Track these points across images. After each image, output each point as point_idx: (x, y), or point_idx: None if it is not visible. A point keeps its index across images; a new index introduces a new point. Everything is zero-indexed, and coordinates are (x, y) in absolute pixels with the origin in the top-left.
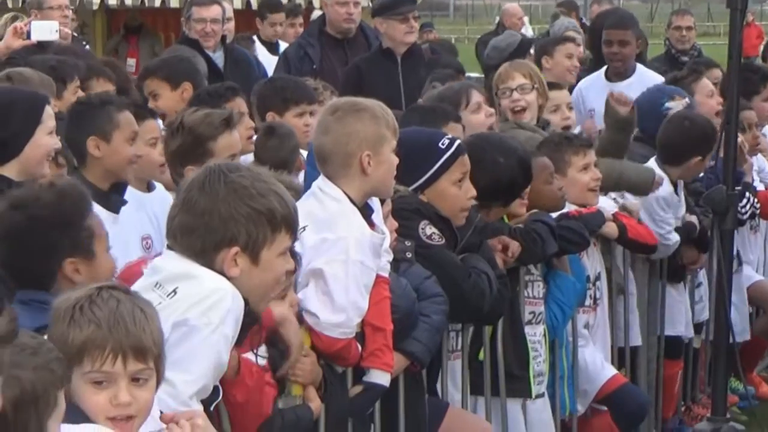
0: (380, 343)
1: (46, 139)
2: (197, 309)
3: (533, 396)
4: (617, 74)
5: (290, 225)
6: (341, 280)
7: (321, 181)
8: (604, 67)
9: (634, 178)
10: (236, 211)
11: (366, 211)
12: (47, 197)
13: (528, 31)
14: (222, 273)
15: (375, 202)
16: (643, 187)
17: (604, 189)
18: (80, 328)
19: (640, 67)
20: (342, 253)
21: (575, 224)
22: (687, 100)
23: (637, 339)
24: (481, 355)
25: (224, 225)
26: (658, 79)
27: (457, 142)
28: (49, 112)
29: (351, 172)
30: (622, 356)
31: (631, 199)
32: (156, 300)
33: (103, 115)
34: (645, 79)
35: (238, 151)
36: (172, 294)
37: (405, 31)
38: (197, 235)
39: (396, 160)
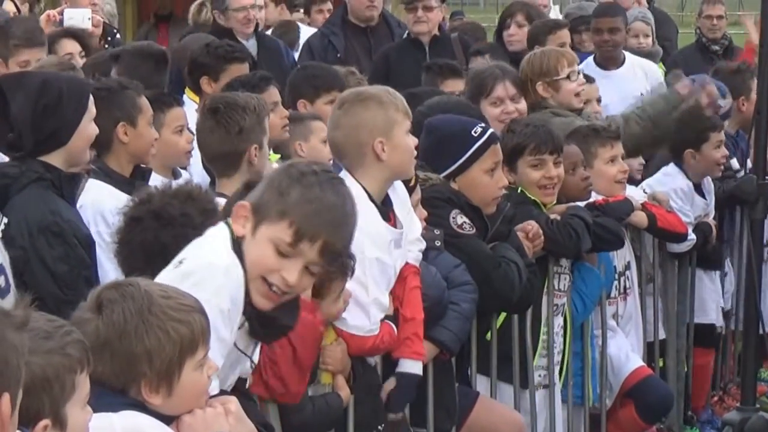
0: (409, 332)
1: (90, 126)
2: (186, 282)
3: (534, 385)
4: (610, 61)
5: (298, 235)
6: (360, 278)
7: (342, 176)
8: (590, 57)
9: (659, 104)
10: (277, 182)
11: (385, 204)
12: (198, 216)
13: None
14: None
15: (397, 194)
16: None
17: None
18: (192, 320)
19: (629, 54)
20: (358, 252)
21: (612, 223)
22: (730, 99)
23: (661, 331)
24: (489, 336)
25: (264, 189)
26: (648, 65)
27: (490, 131)
28: (91, 99)
29: (367, 162)
30: (651, 350)
31: (659, 189)
32: (168, 270)
33: (127, 100)
34: (637, 65)
35: None
36: (178, 264)
37: (413, 21)
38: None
39: (414, 141)
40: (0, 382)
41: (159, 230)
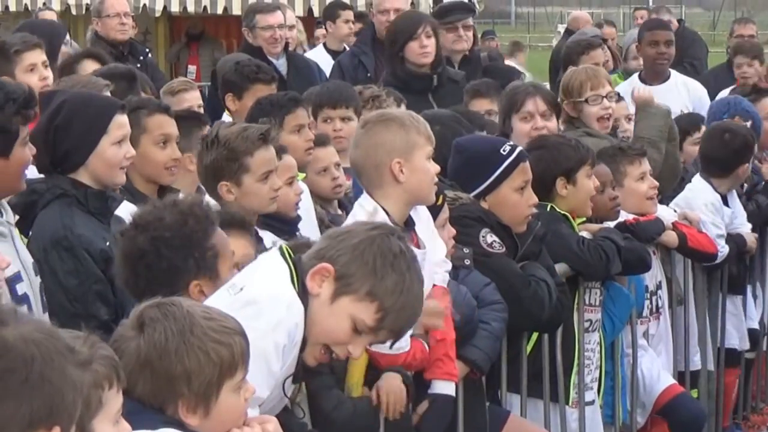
0: (440, 353)
1: (112, 149)
2: (248, 310)
3: (570, 403)
4: (656, 76)
5: (382, 321)
6: None
7: (362, 197)
8: (636, 73)
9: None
10: (371, 259)
11: (407, 225)
12: (171, 218)
13: None
14: (304, 283)
15: (419, 216)
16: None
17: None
18: (233, 343)
19: (673, 71)
20: None
21: (638, 247)
22: (747, 124)
23: (694, 361)
24: (528, 349)
25: (353, 259)
26: (691, 82)
27: (519, 149)
28: (118, 121)
29: (385, 182)
30: (681, 379)
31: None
32: (225, 296)
33: (132, 120)
34: (681, 84)
35: (274, 168)
36: (239, 291)
37: (452, 40)
38: (332, 246)
39: (435, 168)
40: (52, 415)
41: (136, 236)
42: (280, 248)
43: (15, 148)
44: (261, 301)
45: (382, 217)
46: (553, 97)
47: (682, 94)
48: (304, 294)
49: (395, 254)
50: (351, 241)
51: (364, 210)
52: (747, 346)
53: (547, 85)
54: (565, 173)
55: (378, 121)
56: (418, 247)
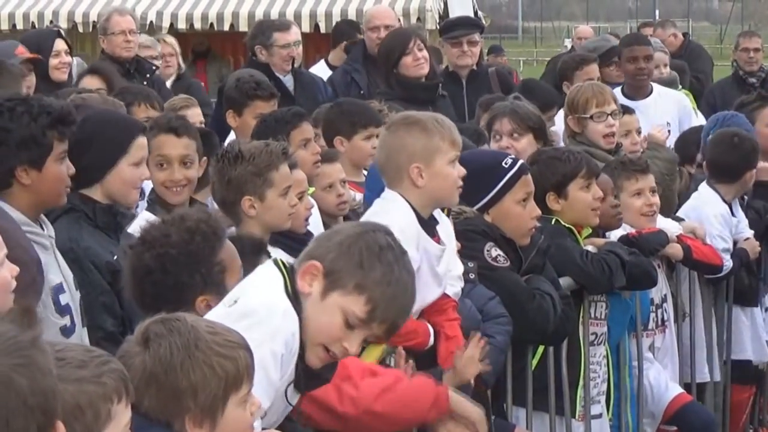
0: (453, 347)
1: (129, 170)
2: (244, 322)
3: (577, 416)
4: (639, 91)
5: (372, 313)
6: None
7: (384, 192)
8: (618, 88)
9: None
10: (356, 253)
11: (431, 222)
12: (177, 235)
13: None
14: (296, 291)
15: (441, 215)
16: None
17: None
18: (238, 357)
19: (655, 84)
20: None
21: (645, 262)
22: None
23: (703, 373)
24: (534, 363)
25: (339, 255)
26: (676, 94)
27: (520, 161)
28: (139, 142)
29: (404, 185)
30: (689, 389)
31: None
32: (221, 309)
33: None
34: (665, 95)
35: (293, 183)
36: (233, 303)
37: (457, 55)
38: (320, 246)
39: (460, 172)
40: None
41: (143, 253)
42: (274, 259)
43: (48, 162)
44: (256, 312)
45: (402, 205)
46: (527, 116)
47: (668, 106)
48: (297, 301)
49: (381, 247)
50: (337, 239)
51: (385, 200)
52: (766, 358)
53: None
54: (554, 188)
55: (401, 124)
56: (439, 243)
